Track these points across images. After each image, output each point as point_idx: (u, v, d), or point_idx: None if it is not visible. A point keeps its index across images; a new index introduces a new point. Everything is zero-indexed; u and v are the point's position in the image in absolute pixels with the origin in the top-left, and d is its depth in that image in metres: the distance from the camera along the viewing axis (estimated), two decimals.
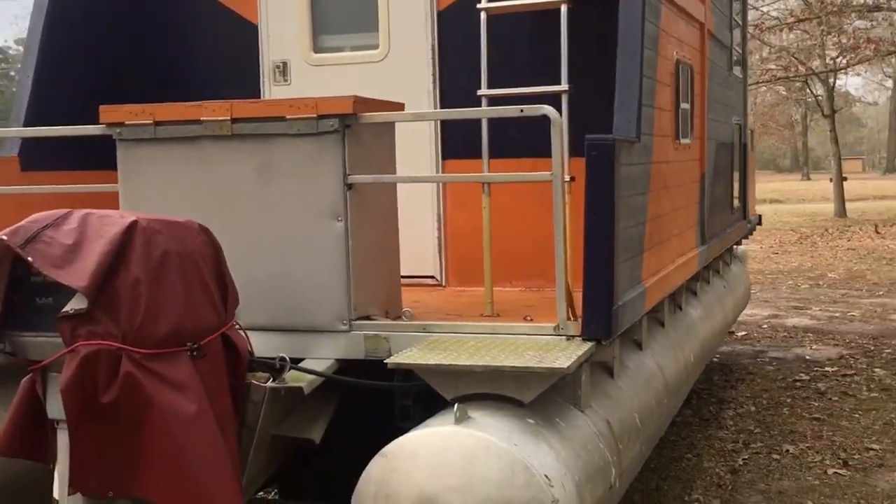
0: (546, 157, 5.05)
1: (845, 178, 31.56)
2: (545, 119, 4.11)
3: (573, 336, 4.11)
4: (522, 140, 5.28)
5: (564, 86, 4.82)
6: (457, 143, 5.67)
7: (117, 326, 3.47)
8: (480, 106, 5.16)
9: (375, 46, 5.81)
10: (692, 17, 6.09)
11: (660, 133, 5.16)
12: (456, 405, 3.62)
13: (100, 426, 3.50)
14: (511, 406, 3.82)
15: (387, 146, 4.65)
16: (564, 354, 3.86)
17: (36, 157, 5.43)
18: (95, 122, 5.25)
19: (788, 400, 8.27)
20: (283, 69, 5.92)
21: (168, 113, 4.50)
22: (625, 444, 4.40)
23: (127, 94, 6.05)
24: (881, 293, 14.03)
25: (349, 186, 4.31)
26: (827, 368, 9.43)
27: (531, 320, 4.49)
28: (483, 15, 5.00)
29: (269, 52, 5.97)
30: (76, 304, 3.46)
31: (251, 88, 5.98)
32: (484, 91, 4.96)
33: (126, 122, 4.54)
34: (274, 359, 4.09)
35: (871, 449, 6.82)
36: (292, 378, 4.08)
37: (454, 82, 5.66)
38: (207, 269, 3.79)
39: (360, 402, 4.60)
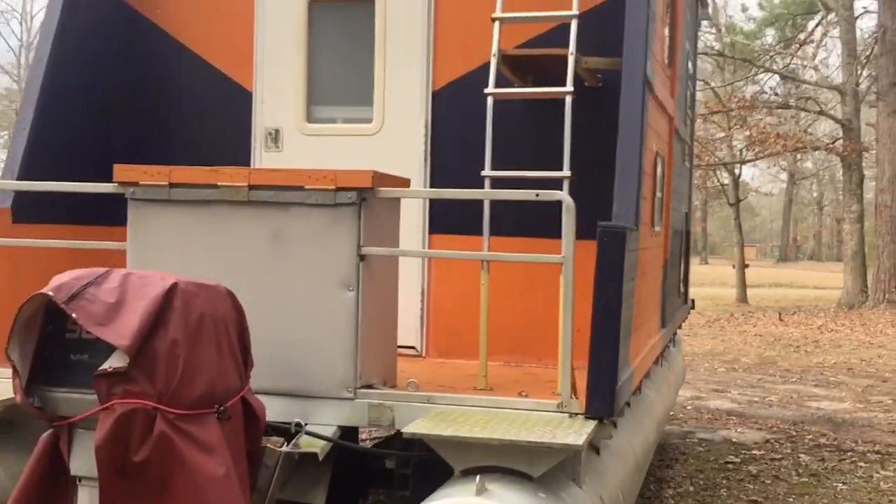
0: (536, 238, 5.28)
1: (747, 266, 32.56)
2: (545, 203, 4.33)
3: (575, 414, 4.27)
4: (514, 220, 5.46)
5: (567, 172, 5.04)
6: (443, 218, 5.83)
7: (153, 386, 3.52)
8: (477, 185, 5.32)
9: (369, 120, 5.98)
10: (665, 111, 6.39)
11: (644, 221, 5.41)
12: (478, 477, 3.74)
13: (129, 484, 3.53)
14: (521, 480, 3.95)
15: (394, 220, 4.80)
16: (575, 431, 4.02)
17: (27, 209, 5.43)
18: (87, 179, 5.32)
19: (724, 481, 8.52)
20: (275, 136, 6.05)
21: (184, 175, 4.57)
22: None
23: (118, 154, 6.11)
24: (794, 380, 14.52)
25: (362, 258, 4.44)
26: (755, 451, 9.74)
27: (527, 396, 4.64)
28: (490, 100, 5.20)
29: (263, 119, 6.09)
30: (115, 363, 3.51)
31: (242, 153, 6.08)
32: (487, 172, 5.14)
33: (140, 182, 4.59)
34: (288, 423, 4.17)
35: None
36: (305, 443, 4.16)
37: (445, 159, 5.85)
38: (233, 332, 3.88)
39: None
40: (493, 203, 5.32)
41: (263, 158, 6.06)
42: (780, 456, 9.57)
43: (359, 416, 4.45)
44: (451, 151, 5.86)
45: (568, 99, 5.04)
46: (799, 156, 47.86)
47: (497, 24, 5.21)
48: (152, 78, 6.29)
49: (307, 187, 4.43)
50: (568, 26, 5.50)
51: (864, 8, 31.35)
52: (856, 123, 26.79)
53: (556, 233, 5.22)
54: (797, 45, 31.69)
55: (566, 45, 5.44)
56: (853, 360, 16.83)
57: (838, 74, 31.63)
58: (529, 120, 5.70)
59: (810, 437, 10.54)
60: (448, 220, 5.80)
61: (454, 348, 5.80)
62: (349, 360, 4.44)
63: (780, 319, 23.77)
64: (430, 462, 4.46)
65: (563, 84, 5.35)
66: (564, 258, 4.25)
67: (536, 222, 5.39)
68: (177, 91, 6.28)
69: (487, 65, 5.69)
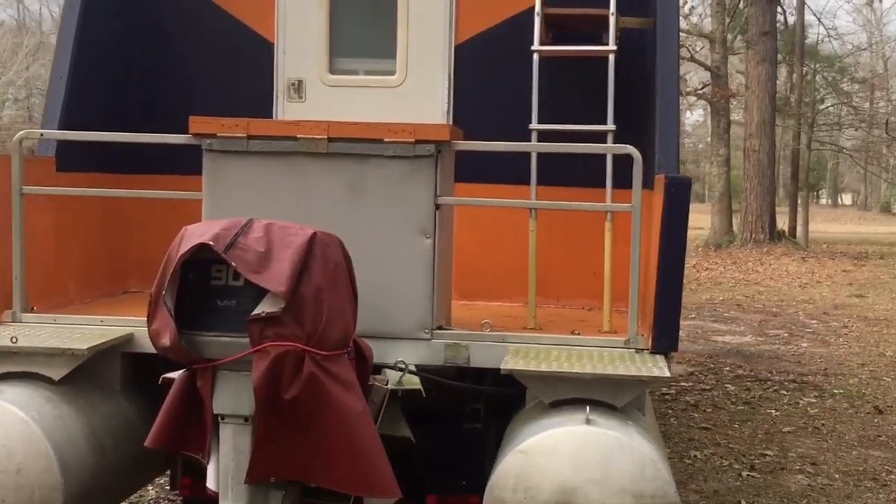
0: (570, 187, 5.64)
1: None
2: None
3: (641, 349, 4.68)
4: (550, 170, 5.74)
5: (611, 125, 5.40)
6: (466, 168, 6.09)
7: (302, 330, 3.76)
8: (500, 137, 5.57)
9: (392, 73, 6.19)
10: None
11: None
12: (587, 408, 4.11)
13: (279, 420, 3.78)
14: (609, 410, 4.33)
15: (452, 170, 5.08)
16: (653, 365, 4.42)
17: (69, 158, 5.48)
18: (119, 129, 5.44)
19: (669, 411, 9.15)
20: (297, 87, 6.20)
21: (262, 128, 4.74)
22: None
23: (144, 104, 6.19)
24: (693, 316, 15.36)
25: (437, 207, 4.71)
26: (683, 384, 10.42)
27: (579, 334, 5.02)
28: (535, 56, 5.50)
29: (285, 70, 6.22)
30: (268, 307, 3.73)
31: (264, 104, 6.21)
32: (535, 126, 5.45)
33: (217, 134, 4.74)
34: (392, 364, 4.46)
35: (767, 455, 7.75)
36: (406, 381, 4.45)
37: (467, 112, 6.12)
38: (348, 277, 4.12)
39: None
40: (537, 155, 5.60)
41: (286, 109, 6.21)
42: (708, 387, 10.27)
43: (435, 354, 4.74)
44: (472, 104, 6.13)
45: (611, 57, 5.39)
46: None
47: None
48: (174, 30, 6.34)
49: (386, 140, 4.66)
50: None
51: None
52: (724, 71, 27.93)
53: (589, 182, 5.61)
54: None
55: (587, 5, 5.81)
56: (738, 297, 17.85)
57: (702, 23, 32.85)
58: (550, 76, 6.00)
59: (728, 368, 11.31)
60: (470, 169, 6.06)
61: (476, 291, 6.11)
62: (427, 303, 4.72)
63: None
64: (498, 398, 4.84)
65: (582, 41, 5.73)
66: (633, 207, 4.61)
67: (571, 172, 5.72)
68: (199, 42, 6.34)
69: (509, 20, 6.04)
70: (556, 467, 4.00)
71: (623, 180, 5.21)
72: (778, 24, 28.76)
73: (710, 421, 8.77)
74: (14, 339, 4.48)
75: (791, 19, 32.39)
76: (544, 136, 5.44)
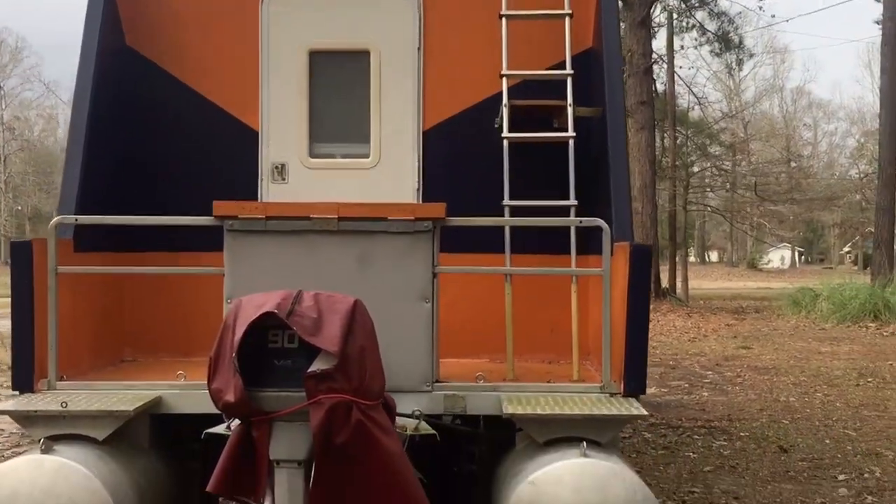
0: (540, 254, 6.40)
1: None
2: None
3: (615, 393, 5.43)
4: (521, 240, 6.48)
5: (573, 200, 6.19)
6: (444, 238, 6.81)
7: (349, 383, 4.39)
8: (468, 211, 6.32)
9: (366, 156, 6.90)
10: None
11: None
12: (583, 443, 4.82)
13: (331, 463, 4.39)
14: (595, 445, 5.05)
15: (438, 242, 5.79)
16: (630, 406, 5.17)
17: (86, 239, 6.00)
18: (121, 211, 6.02)
19: None
20: (281, 170, 6.84)
21: (279, 209, 5.38)
22: None
23: (141, 187, 6.75)
24: None
25: (435, 275, 5.41)
26: None
27: (552, 382, 5.74)
28: (505, 143, 6.28)
29: (269, 155, 6.87)
30: (321, 365, 4.35)
31: (250, 186, 6.83)
32: (507, 202, 6.21)
33: (239, 216, 5.35)
34: (408, 413, 5.10)
35: (695, 491, 8.56)
36: (421, 428, 5.11)
37: (435, 190, 6.84)
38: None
39: None
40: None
41: (270, 190, 6.85)
42: (626, 435, 11.06)
43: (436, 404, 5.41)
44: (439, 183, 6.87)
45: (571, 142, 6.21)
46: None
47: (505, 80, 6.30)
48: (170, 121, 6.95)
49: (390, 218, 5.35)
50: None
51: None
52: None
53: (552, 249, 6.38)
54: None
55: (535, 96, 6.64)
56: None
57: None
58: (537, 157, 6.74)
59: (640, 421, 12.14)
60: (445, 240, 6.78)
61: (449, 348, 6.77)
62: (427, 360, 5.40)
63: None
64: (492, 439, 5.53)
65: (539, 125, 6.55)
66: (604, 271, 5.38)
67: (536, 241, 6.49)
68: (193, 132, 6.95)
69: (471, 108, 6.81)
70: (563, 494, 4.69)
71: (580, 246, 5.99)
72: (653, 94, 30.36)
73: (636, 465, 9.54)
74: (64, 405, 4.98)
75: (662, 88, 34.20)
76: (515, 210, 6.21)
